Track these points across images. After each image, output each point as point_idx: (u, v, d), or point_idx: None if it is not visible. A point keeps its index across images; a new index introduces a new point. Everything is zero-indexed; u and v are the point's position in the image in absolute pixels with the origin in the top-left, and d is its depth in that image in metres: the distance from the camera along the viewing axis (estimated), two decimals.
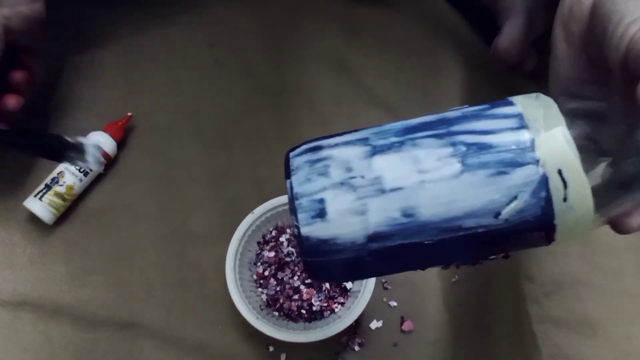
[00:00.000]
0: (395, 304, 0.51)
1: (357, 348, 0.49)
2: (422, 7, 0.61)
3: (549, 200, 0.27)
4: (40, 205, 0.50)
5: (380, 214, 0.27)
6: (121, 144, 0.54)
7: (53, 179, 0.51)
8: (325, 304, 0.49)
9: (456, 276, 0.52)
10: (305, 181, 0.28)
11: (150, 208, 0.53)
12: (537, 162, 0.27)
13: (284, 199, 0.49)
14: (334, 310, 0.48)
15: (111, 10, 0.59)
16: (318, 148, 0.29)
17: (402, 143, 0.28)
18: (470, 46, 0.60)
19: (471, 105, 0.30)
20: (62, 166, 0.51)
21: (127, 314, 0.50)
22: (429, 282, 0.51)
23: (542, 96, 0.29)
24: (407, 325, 0.50)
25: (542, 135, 0.27)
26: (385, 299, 0.51)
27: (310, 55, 0.59)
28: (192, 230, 0.53)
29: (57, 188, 0.51)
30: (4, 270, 0.51)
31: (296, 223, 0.28)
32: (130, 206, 0.53)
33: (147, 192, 0.54)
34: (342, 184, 0.28)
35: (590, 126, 0.28)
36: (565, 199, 0.27)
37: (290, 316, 0.49)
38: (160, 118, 0.56)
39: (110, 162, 0.53)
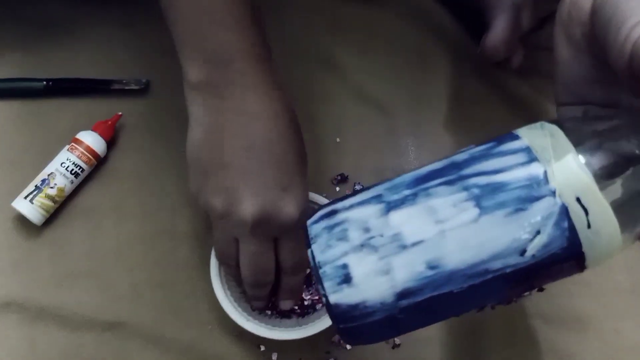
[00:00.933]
0: None
1: (348, 347, 0.50)
2: (409, 4, 0.61)
3: (572, 229, 0.26)
4: (30, 207, 0.50)
5: (405, 270, 0.27)
6: (111, 143, 0.54)
7: (44, 181, 0.50)
8: (317, 297, 0.49)
9: None
10: (325, 248, 0.28)
11: (138, 207, 0.53)
12: (553, 193, 0.26)
13: None
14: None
15: (96, 7, 0.58)
16: (333, 212, 0.29)
17: (415, 195, 0.28)
18: (458, 42, 0.60)
19: (477, 145, 0.30)
20: (53, 167, 0.51)
21: (114, 315, 0.50)
22: None
23: (546, 124, 0.29)
24: None
25: (554, 165, 0.27)
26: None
27: (297, 53, 0.59)
28: (180, 229, 0.53)
29: (48, 190, 0.50)
30: None
31: (323, 292, 0.28)
32: (118, 206, 0.53)
33: (135, 191, 0.53)
34: (362, 245, 0.27)
35: (602, 144, 0.27)
36: (589, 226, 0.26)
37: (283, 313, 0.49)
38: (150, 117, 0.55)
39: (99, 162, 0.53)
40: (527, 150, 0.28)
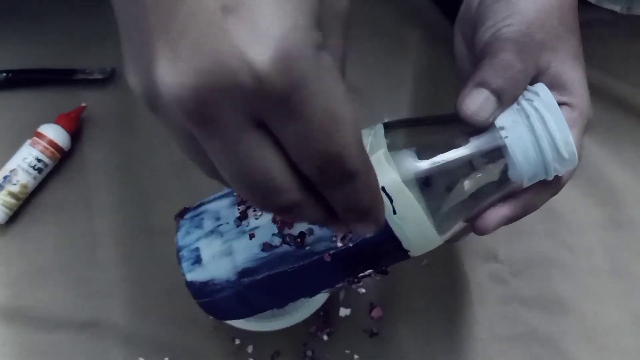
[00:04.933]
0: (363, 290, 0.50)
1: (325, 337, 0.49)
2: None
3: None
4: None
5: (244, 252, 0.31)
6: (75, 136, 0.52)
7: (5, 177, 0.49)
8: None
9: (425, 260, 0.51)
10: (185, 235, 0.33)
11: (109, 202, 0.52)
12: None
13: None
14: None
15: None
16: (199, 206, 0.33)
17: None
18: (433, 24, 0.59)
19: None
20: (15, 163, 0.49)
21: (89, 313, 0.49)
22: (399, 267, 0.50)
23: (377, 125, 0.32)
24: (376, 312, 0.49)
25: None
26: (353, 286, 0.50)
27: None
28: (153, 223, 0.51)
29: (10, 187, 0.49)
30: None
31: (182, 272, 0.32)
32: (88, 200, 0.51)
33: (105, 185, 0.52)
34: (212, 232, 0.32)
35: (417, 143, 0.31)
36: (394, 212, 0.30)
37: None
38: (116, 107, 0.54)
39: (64, 156, 0.51)
40: None
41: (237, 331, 0.45)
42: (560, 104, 0.33)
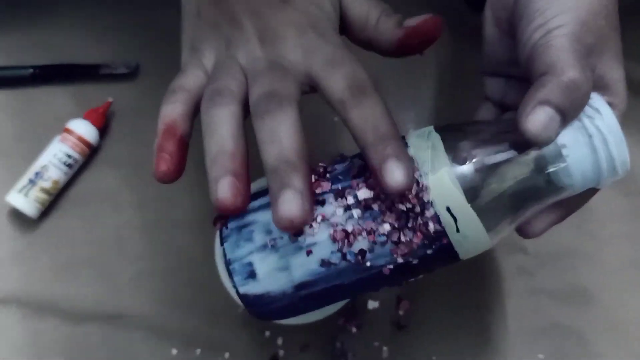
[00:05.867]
0: None
1: (354, 330, 0.49)
2: None
3: (444, 234, 0.31)
4: (25, 201, 0.49)
5: (301, 268, 0.31)
6: (103, 131, 0.53)
7: (37, 174, 0.49)
8: None
9: None
10: (234, 247, 0.32)
11: (135, 195, 0.52)
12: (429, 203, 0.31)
13: None
14: None
15: None
16: (244, 215, 0.33)
17: None
18: (457, 14, 0.58)
19: None
20: (46, 159, 0.50)
21: (116, 305, 0.50)
22: None
23: (433, 134, 0.32)
24: (404, 305, 0.50)
25: (430, 177, 0.30)
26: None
27: None
28: (178, 216, 0.52)
29: (43, 183, 0.49)
30: None
31: (234, 284, 0.32)
32: (115, 194, 0.52)
33: (131, 179, 0.52)
34: (264, 246, 0.32)
35: (475, 156, 0.31)
36: (457, 230, 0.31)
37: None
38: (141, 101, 0.54)
39: (92, 150, 0.52)
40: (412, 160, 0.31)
41: (267, 324, 0.46)
42: None
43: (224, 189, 0.29)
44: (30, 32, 0.55)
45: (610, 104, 0.33)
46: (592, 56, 0.32)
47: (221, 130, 0.30)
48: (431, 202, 0.30)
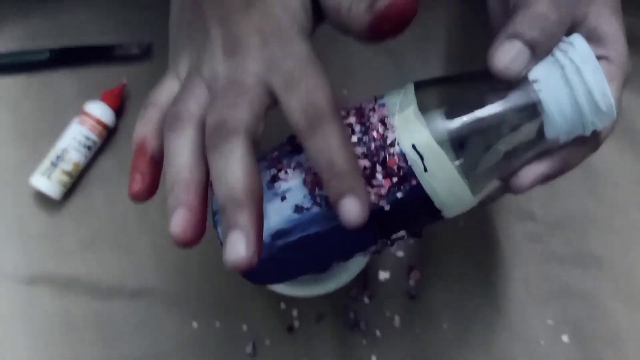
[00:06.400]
0: (402, 254, 0.52)
1: (366, 300, 0.51)
2: None
3: (411, 172, 0.30)
4: (48, 184, 0.51)
5: (277, 215, 0.31)
6: (118, 112, 0.54)
7: (58, 157, 0.51)
8: None
9: (461, 222, 0.53)
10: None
11: None
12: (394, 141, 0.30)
13: None
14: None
15: None
16: None
17: (291, 152, 0.33)
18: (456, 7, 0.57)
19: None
20: (66, 142, 0.52)
21: (140, 281, 0.52)
22: (435, 230, 0.52)
23: (408, 84, 0.32)
24: (414, 275, 0.51)
25: (396, 117, 0.30)
26: (391, 250, 0.52)
27: None
28: None
29: (64, 166, 0.51)
30: (17, 247, 0.52)
31: (218, 236, 0.32)
32: None
33: None
34: None
35: (448, 99, 0.31)
36: (425, 170, 0.29)
37: None
38: (155, 83, 0.55)
39: (109, 132, 0.53)
40: (382, 105, 0.31)
41: (282, 296, 0.48)
42: (597, 57, 0.32)
43: (176, 223, 0.29)
44: (46, 14, 0.56)
45: (604, 57, 0.32)
46: (581, 3, 0.31)
47: (177, 159, 0.30)
48: (397, 140, 0.30)
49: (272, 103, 0.30)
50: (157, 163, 0.33)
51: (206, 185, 0.30)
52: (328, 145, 0.28)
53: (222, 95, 0.30)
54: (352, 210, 0.27)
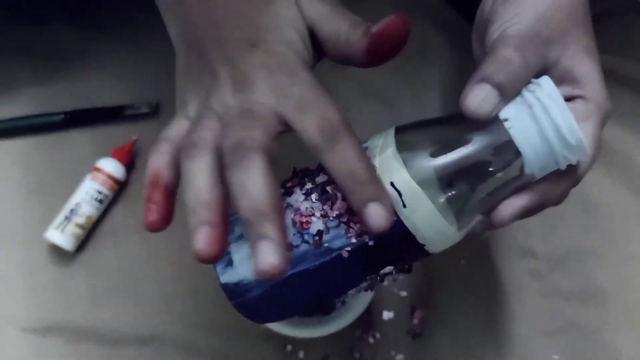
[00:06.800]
0: (405, 293, 0.53)
1: (371, 340, 0.52)
2: None
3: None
4: (62, 237, 0.53)
5: None
6: (129, 167, 0.57)
7: (72, 211, 0.54)
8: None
9: (462, 260, 0.53)
10: None
11: None
12: None
13: None
14: (344, 301, 0.50)
15: (104, 33, 0.60)
16: (232, 214, 0.34)
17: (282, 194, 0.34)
18: (459, 30, 0.60)
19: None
20: (79, 197, 0.54)
21: (149, 329, 0.53)
22: (436, 269, 0.53)
23: (390, 129, 0.34)
24: (418, 314, 0.52)
25: (377, 158, 0.32)
26: (394, 289, 0.53)
27: None
28: None
29: (77, 219, 0.54)
30: (30, 298, 0.54)
31: (217, 274, 0.34)
32: (142, 225, 0.55)
33: None
34: (240, 236, 0.33)
35: (425, 141, 0.32)
36: (404, 205, 0.31)
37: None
38: None
39: (120, 186, 0.56)
40: (366, 148, 0.33)
41: (288, 339, 0.49)
42: (574, 97, 0.33)
43: (201, 240, 0.30)
44: (59, 79, 0.60)
45: (581, 96, 0.34)
46: (553, 47, 0.33)
47: (197, 182, 0.31)
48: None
49: (283, 129, 0.32)
50: (171, 193, 0.34)
51: (226, 204, 0.31)
52: (347, 157, 0.30)
53: (236, 122, 0.31)
54: (378, 215, 0.29)
